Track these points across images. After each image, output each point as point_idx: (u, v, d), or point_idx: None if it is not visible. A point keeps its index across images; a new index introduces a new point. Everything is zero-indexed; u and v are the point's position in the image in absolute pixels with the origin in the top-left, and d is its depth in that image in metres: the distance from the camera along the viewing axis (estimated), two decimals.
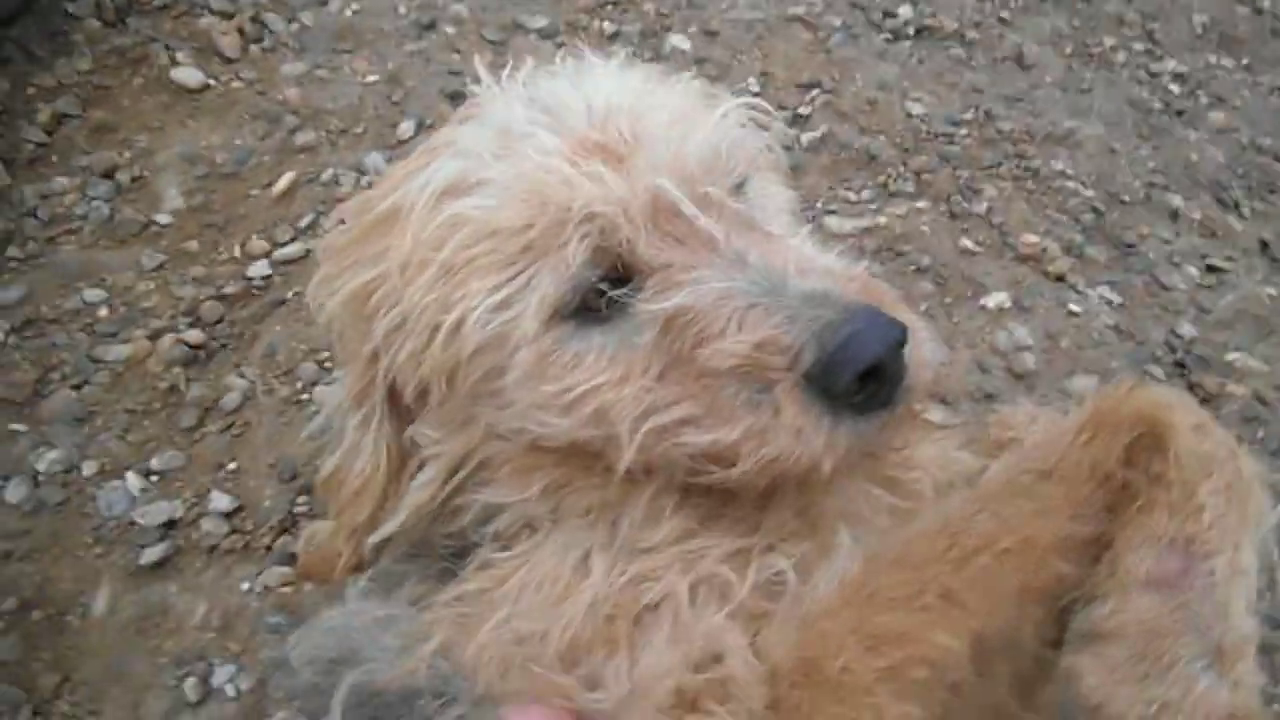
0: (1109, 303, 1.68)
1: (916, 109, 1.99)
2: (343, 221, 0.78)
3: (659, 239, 0.67)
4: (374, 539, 0.78)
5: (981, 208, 1.82)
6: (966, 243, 1.75)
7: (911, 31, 2.19)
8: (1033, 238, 1.76)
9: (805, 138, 1.89)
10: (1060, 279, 1.71)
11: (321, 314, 0.76)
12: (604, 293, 0.67)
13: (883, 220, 1.75)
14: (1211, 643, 0.53)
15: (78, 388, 1.36)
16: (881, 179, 1.84)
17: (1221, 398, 1.54)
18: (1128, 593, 0.55)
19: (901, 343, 0.61)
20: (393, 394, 0.75)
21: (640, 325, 0.66)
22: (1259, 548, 0.57)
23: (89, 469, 1.27)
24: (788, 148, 1.83)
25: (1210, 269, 1.79)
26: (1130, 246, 1.80)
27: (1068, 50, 2.26)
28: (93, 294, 1.46)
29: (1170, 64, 2.26)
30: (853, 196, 1.79)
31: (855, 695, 0.56)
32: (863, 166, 1.86)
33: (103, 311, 1.45)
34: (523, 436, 0.70)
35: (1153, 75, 2.23)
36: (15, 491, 1.23)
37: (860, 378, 0.59)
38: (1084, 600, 0.57)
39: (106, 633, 1.13)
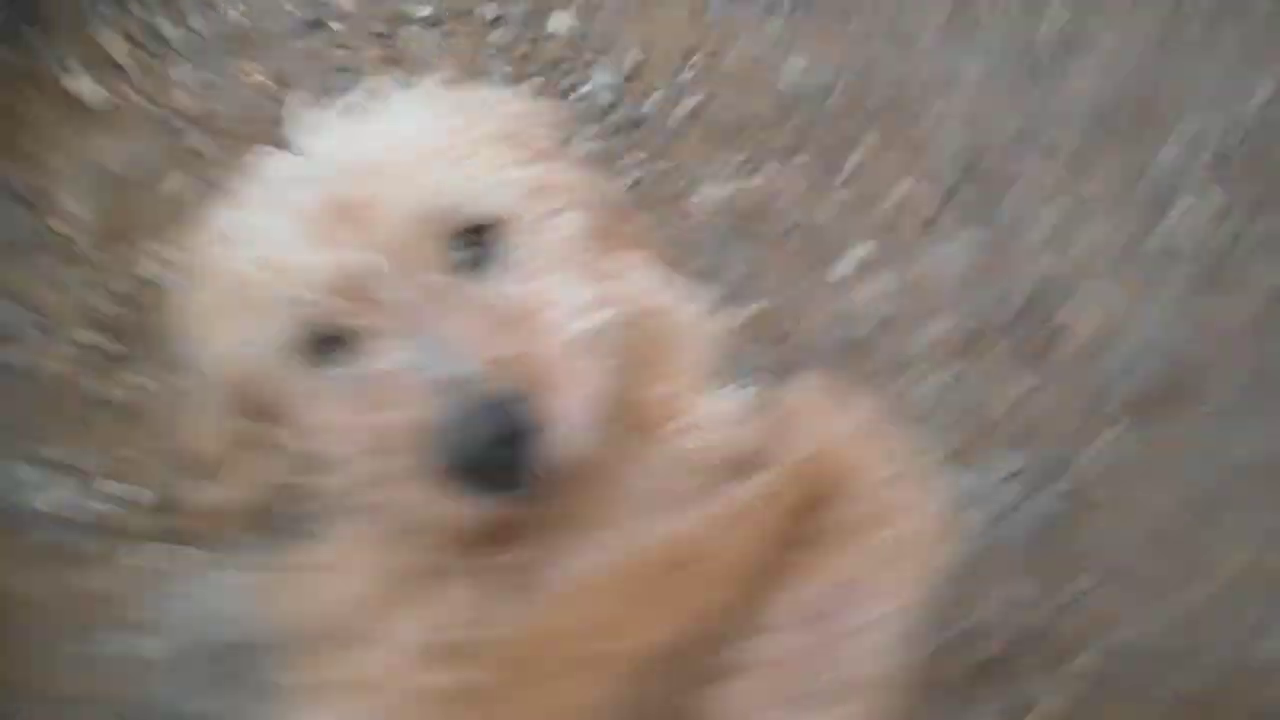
0: (975, 244, 1.76)
1: (797, 65, 2.05)
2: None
3: (361, 309, 0.74)
4: (221, 509, 0.91)
5: (855, 161, 1.89)
6: (837, 198, 1.82)
7: None
8: (903, 187, 1.83)
9: (687, 104, 1.95)
10: (928, 225, 1.78)
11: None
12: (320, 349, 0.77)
13: (756, 183, 1.82)
14: (839, 679, 0.60)
15: None
16: (758, 141, 1.91)
17: (1071, 332, 1.62)
18: (783, 626, 0.63)
19: (508, 438, 0.68)
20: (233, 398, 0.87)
21: (342, 382, 0.76)
22: (924, 595, 0.64)
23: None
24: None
25: (1077, 205, 1.85)
26: (1002, 188, 1.87)
27: None
28: None
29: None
30: (727, 163, 1.87)
31: (549, 676, 0.68)
32: (741, 130, 1.93)
33: None
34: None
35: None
36: None
37: (463, 471, 0.68)
38: (750, 629, 0.65)
39: None
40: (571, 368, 0.75)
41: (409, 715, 0.73)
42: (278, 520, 0.91)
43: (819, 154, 1.90)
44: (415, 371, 0.71)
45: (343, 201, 0.76)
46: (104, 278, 1.61)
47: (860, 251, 1.73)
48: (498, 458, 0.68)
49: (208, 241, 0.83)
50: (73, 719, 1.19)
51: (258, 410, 0.85)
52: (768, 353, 1.54)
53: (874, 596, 0.62)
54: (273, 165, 0.84)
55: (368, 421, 0.73)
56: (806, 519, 0.66)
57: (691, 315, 0.99)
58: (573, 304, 0.79)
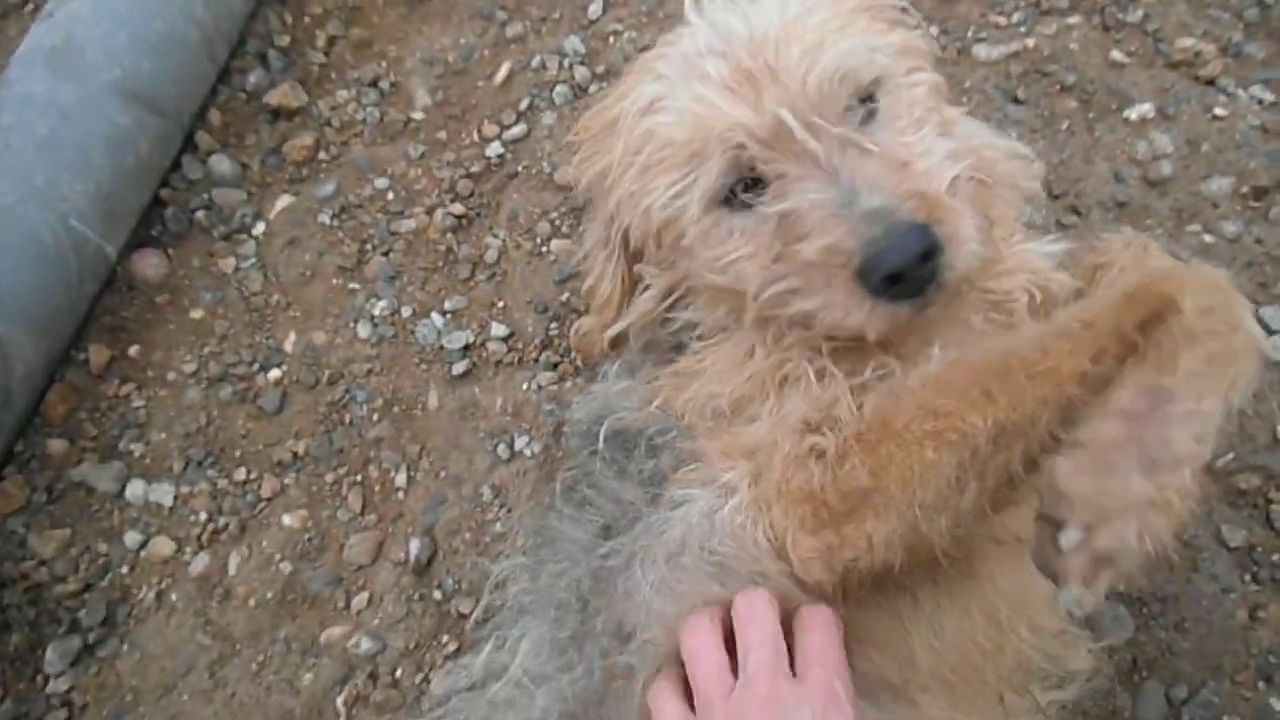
0: (1259, 102, 1.75)
1: None
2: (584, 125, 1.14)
3: (779, 156, 0.93)
4: (612, 332, 1.19)
5: (1137, 16, 1.88)
6: (1116, 55, 1.84)
7: None
8: (1187, 41, 1.82)
9: None
10: (1211, 83, 1.78)
11: (578, 182, 1.16)
12: (739, 193, 0.98)
13: (1031, 43, 1.87)
14: (1149, 458, 0.70)
15: (386, 254, 1.86)
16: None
17: None
18: (1105, 418, 0.73)
19: (927, 254, 0.86)
20: (625, 241, 1.12)
21: (763, 219, 0.96)
22: (1225, 405, 0.71)
23: (406, 312, 1.79)
24: None
25: None
26: None
27: None
28: (381, 182, 1.94)
29: None
30: (1003, 21, 1.91)
31: (908, 443, 0.84)
32: None
33: (390, 195, 1.93)
34: (703, 280, 1.06)
35: None
36: (363, 330, 1.78)
37: (888, 279, 0.87)
38: (1081, 420, 0.77)
39: (441, 419, 1.67)
40: (958, 202, 0.93)
41: (791, 473, 0.92)
42: (653, 345, 1.19)
43: (1096, 9, 1.90)
44: (839, 205, 0.90)
45: (758, 68, 0.95)
46: (458, 157, 1.94)
47: (1139, 110, 1.76)
48: (921, 269, 0.87)
49: (627, 110, 1.04)
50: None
51: (663, 255, 1.08)
52: (1051, 208, 1.65)
53: (1184, 401, 0.71)
54: (681, 40, 1.04)
55: (792, 249, 0.93)
56: (1129, 339, 0.76)
57: (1017, 167, 1.15)
58: (941, 153, 0.96)
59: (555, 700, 1.01)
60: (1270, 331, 1.53)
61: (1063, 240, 1.14)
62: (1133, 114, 1.77)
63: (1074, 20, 1.90)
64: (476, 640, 1.21)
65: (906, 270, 0.87)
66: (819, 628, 0.90)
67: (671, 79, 1.02)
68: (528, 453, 1.60)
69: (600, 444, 1.10)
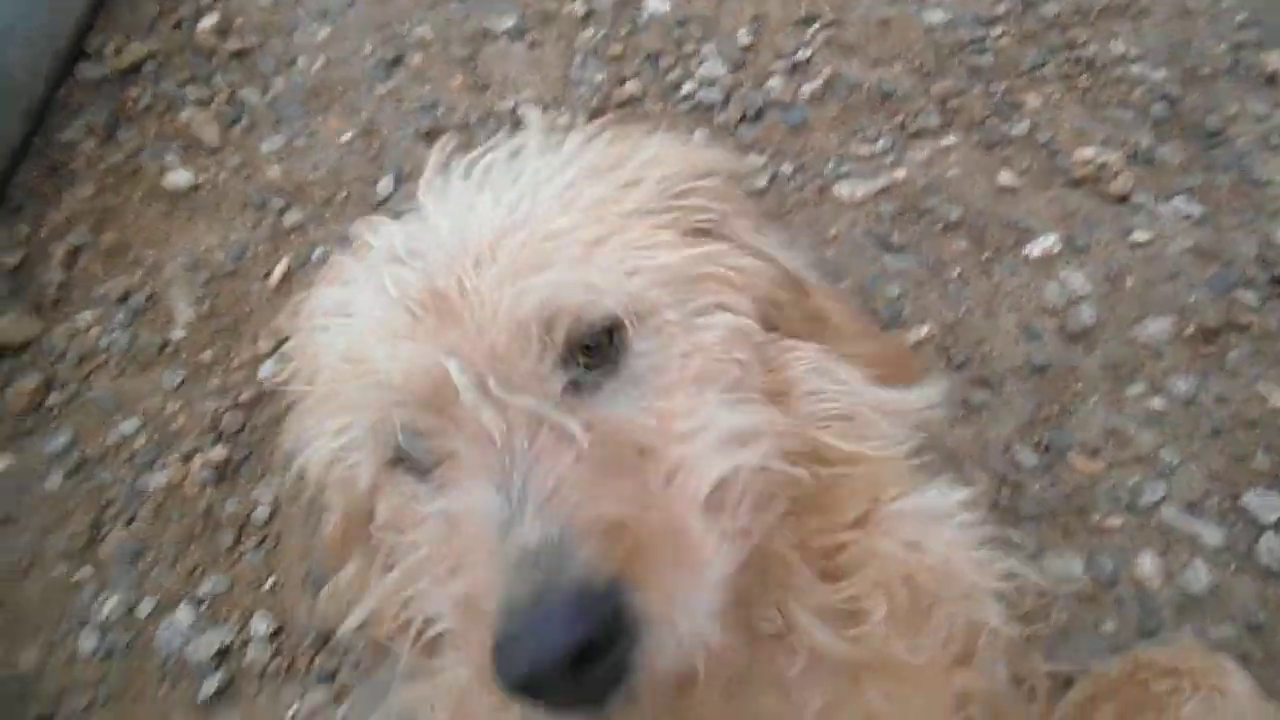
0: (1186, 217, 1.43)
1: (936, 17, 1.74)
2: None
3: (447, 425, 0.61)
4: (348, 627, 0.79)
5: (1023, 127, 1.58)
6: (1005, 178, 1.53)
7: None
8: (1088, 151, 1.51)
9: (807, 89, 1.69)
10: (1123, 200, 1.46)
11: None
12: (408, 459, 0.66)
13: (902, 174, 1.55)
14: None
15: (129, 523, 1.44)
16: (899, 119, 1.62)
17: None
18: None
19: (590, 649, 0.50)
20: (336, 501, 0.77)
21: (431, 506, 0.63)
22: None
23: (146, 607, 1.36)
24: (787, 105, 1.66)
25: None
26: (1214, 135, 1.51)
27: None
28: (128, 424, 1.54)
29: None
30: (865, 150, 1.60)
31: None
32: (877, 108, 1.65)
33: (140, 441, 1.53)
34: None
35: None
36: (87, 641, 1.34)
37: (522, 688, 0.51)
38: None
39: None
40: (694, 533, 0.58)
41: None
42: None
43: (975, 123, 1.60)
44: (500, 524, 0.56)
45: (442, 291, 0.63)
46: (225, 382, 1.55)
47: (1042, 244, 1.44)
48: (569, 680, 0.50)
49: (307, 326, 0.74)
50: None
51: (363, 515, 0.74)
52: (954, 383, 1.29)
53: None
54: (379, 236, 0.73)
55: (446, 565, 0.60)
56: None
57: (891, 426, 0.77)
58: (716, 432, 0.63)
59: None
60: (1261, 527, 1.16)
61: (986, 533, 0.79)
62: (1035, 249, 1.44)
63: (949, 141, 1.59)
64: None
65: (544, 681, 0.50)
66: None
67: (357, 285, 0.70)
68: None
69: None
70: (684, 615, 0.54)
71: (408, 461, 0.66)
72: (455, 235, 0.67)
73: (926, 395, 0.76)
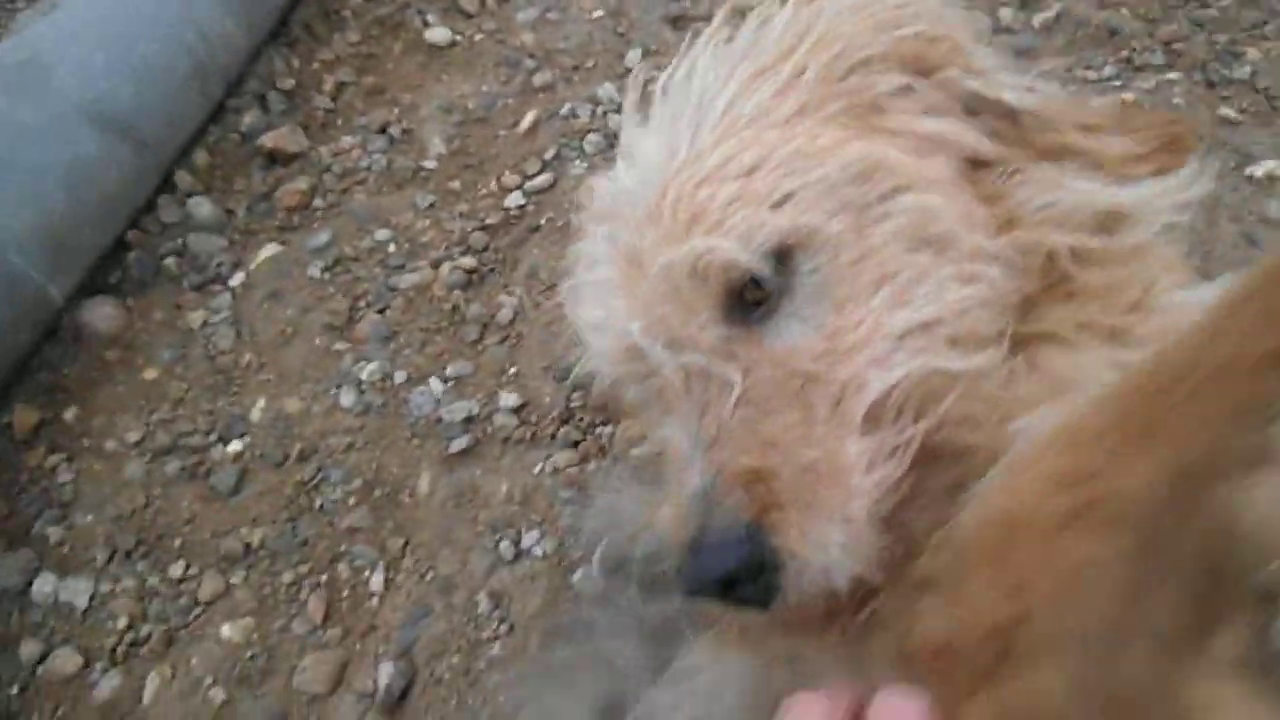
0: None
1: None
2: None
3: (649, 372, 0.69)
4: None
5: (1244, 72, 1.66)
6: (1227, 111, 1.61)
7: None
8: None
9: (1037, 19, 1.80)
10: None
11: None
12: None
13: (1129, 96, 1.65)
14: None
15: (381, 311, 1.59)
16: (1124, 54, 1.72)
17: None
18: None
19: (735, 577, 0.59)
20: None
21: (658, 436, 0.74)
22: None
23: (399, 377, 1.49)
24: (1016, 31, 1.77)
25: None
26: None
27: None
28: (382, 233, 1.69)
29: None
30: (1092, 75, 1.70)
31: (1041, 537, 0.53)
32: (1104, 43, 1.75)
33: (392, 248, 1.68)
34: None
35: None
36: (346, 398, 1.48)
37: (692, 598, 0.62)
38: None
39: (432, 507, 1.35)
40: (841, 465, 0.61)
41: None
42: None
43: (1196, 65, 1.69)
44: (682, 464, 0.64)
45: (627, 252, 0.69)
46: (473, 208, 1.70)
47: (1264, 167, 1.52)
48: (722, 594, 0.60)
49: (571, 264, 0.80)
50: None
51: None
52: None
53: None
54: (594, 195, 0.77)
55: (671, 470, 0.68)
56: None
57: (1147, 216, 0.71)
58: (884, 339, 0.62)
59: None
60: None
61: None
62: (1258, 170, 1.52)
63: (1173, 76, 1.68)
64: None
65: (701, 594, 0.62)
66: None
67: (584, 244, 0.77)
68: (538, 551, 1.26)
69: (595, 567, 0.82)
70: (817, 551, 0.59)
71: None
72: (636, 190, 0.70)
73: (1182, 180, 0.70)
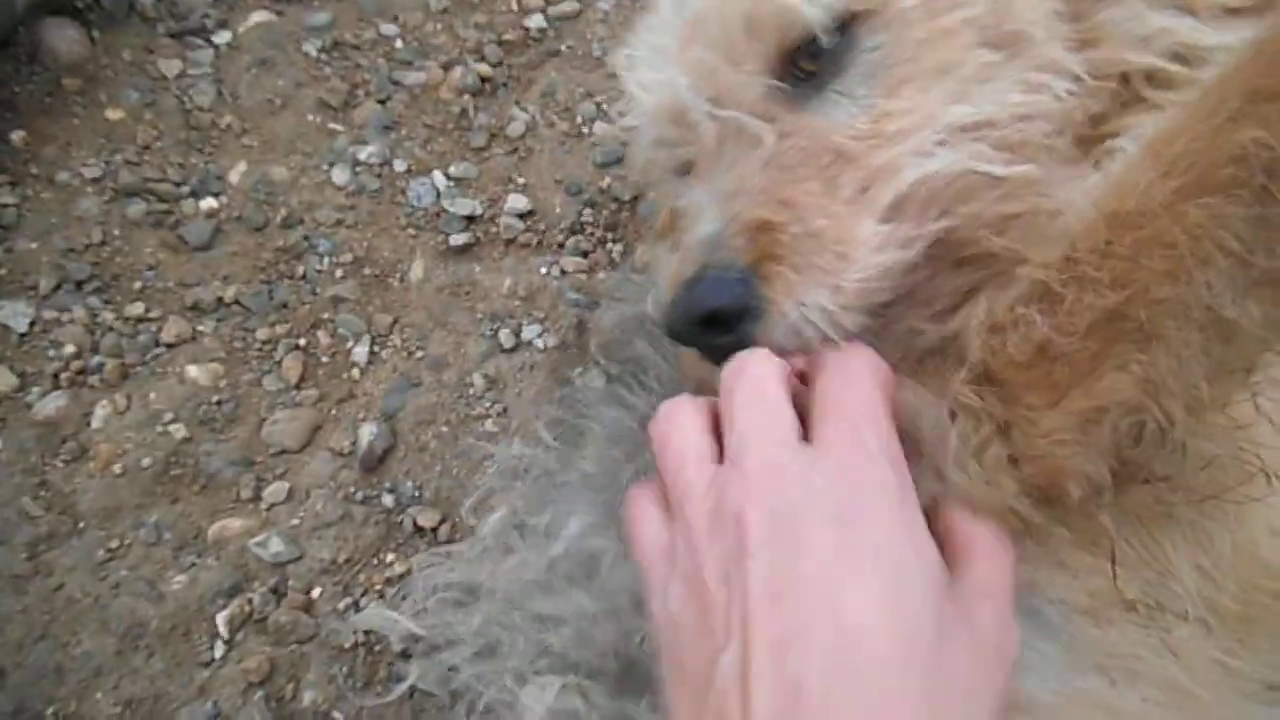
0: None
1: None
2: None
3: (691, 136, 0.69)
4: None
5: None
6: None
7: None
8: None
9: None
10: None
11: None
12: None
13: None
14: None
15: (382, 102, 1.49)
16: None
17: None
18: None
19: (713, 319, 0.60)
20: None
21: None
22: None
23: (399, 166, 1.41)
24: None
25: None
26: None
27: None
28: (389, 28, 1.59)
29: None
30: None
31: (1154, 214, 0.52)
32: None
33: (399, 44, 1.57)
34: None
35: None
36: (340, 175, 1.38)
37: (679, 339, 0.64)
38: None
39: (425, 293, 1.28)
40: (850, 238, 0.59)
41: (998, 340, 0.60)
42: None
43: None
44: (696, 216, 0.65)
45: (688, 12, 0.68)
46: (490, 20, 1.61)
47: None
48: (706, 339, 0.62)
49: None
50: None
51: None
52: None
53: None
54: None
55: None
56: None
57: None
58: (933, 130, 0.60)
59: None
60: None
61: None
62: None
63: None
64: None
65: (686, 336, 0.63)
66: (839, 368, 0.58)
67: (655, 9, 0.76)
68: (539, 344, 1.22)
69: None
70: (795, 309, 0.59)
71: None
72: None
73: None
